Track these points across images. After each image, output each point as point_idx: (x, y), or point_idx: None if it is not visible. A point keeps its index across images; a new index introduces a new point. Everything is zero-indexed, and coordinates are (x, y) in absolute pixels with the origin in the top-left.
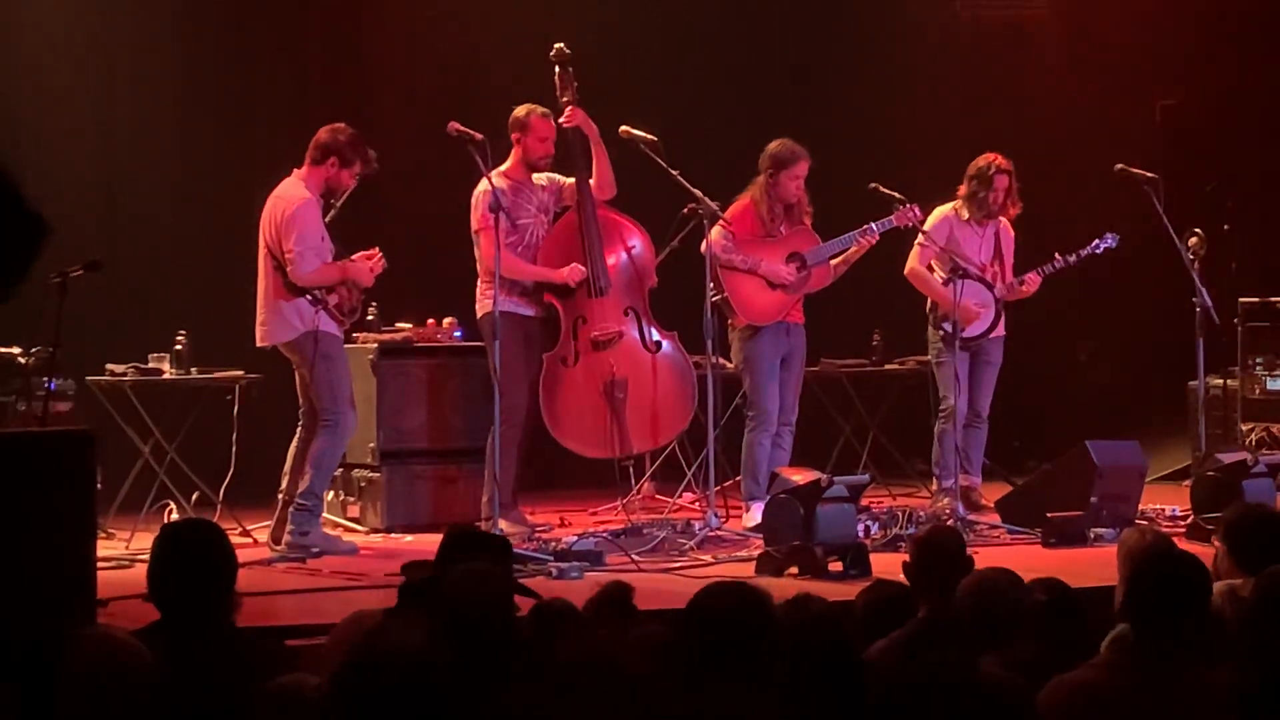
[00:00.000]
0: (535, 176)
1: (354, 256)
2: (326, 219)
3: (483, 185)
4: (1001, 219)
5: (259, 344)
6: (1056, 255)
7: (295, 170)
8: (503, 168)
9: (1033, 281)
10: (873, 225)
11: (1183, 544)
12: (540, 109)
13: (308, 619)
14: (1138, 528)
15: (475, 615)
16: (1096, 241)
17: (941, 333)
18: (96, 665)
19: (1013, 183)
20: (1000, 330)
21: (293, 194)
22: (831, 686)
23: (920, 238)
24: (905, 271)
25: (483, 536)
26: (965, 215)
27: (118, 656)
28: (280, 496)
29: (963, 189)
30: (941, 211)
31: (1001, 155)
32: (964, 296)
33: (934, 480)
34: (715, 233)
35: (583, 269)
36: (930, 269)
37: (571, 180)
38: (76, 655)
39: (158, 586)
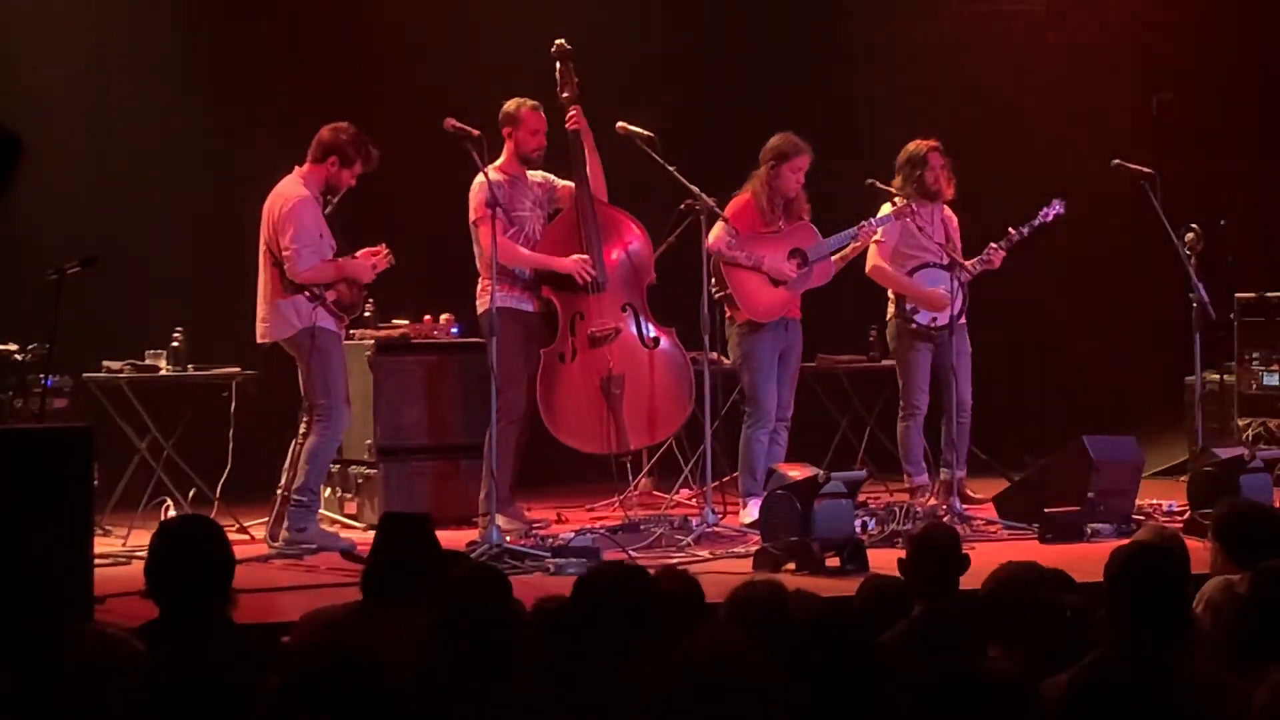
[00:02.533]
0: (530, 173)
1: (358, 253)
2: (325, 213)
3: (479, 179)
4: (944, 206)
5: (259, 340)
6: (1010, 230)
7: (296, 167)
8: (497, 163)
9: (996, 257)
10: (870, 221)
11: None
12: (530, 102)
13: None
14: (1151, 526)
15: (476, 614)
16: (1045, 210)
17: (914, 326)
18: (93, 662)
19: (945, 160)
20: (962, 318)
21: (291, 191)
22: (843, 683)
23: (877, 234)
24: (867, 270)
25: (409, 517)
26: (913, 204)
27: (114, 653)
28: (279, 493)
29: (897, 180)
30: (886, 210)
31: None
32: (932, 285)
33: (906, 477)
34: (718, 229)
35: (587, 258)
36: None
37: (566, 183)
38: (73, 652)
39: (155, 583)
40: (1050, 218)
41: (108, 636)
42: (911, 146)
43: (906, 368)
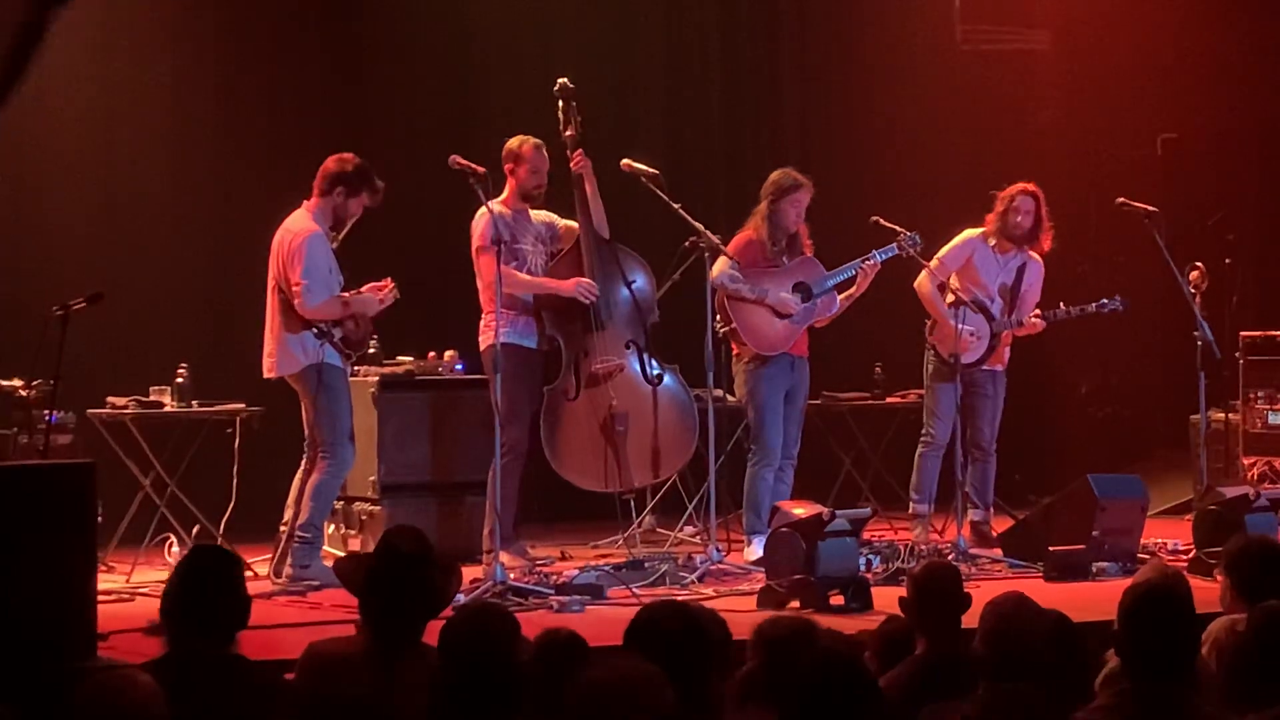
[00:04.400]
0: (533, 212)
1: (363, 288)
2: (333, 248)
3: (483, 212)
4: (1032, 253)
5: (265, 375)
6: (1061, 305)
7: (304, 202)
8: (500, 199)
9: (1034, 324)
10: (875, 253)
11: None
12: (533, 140)
13: None
14: (1154, 564)
15: (480, 652)
16: (1105, 301)
17: (933, 353)
18: (111, 700)
19: (1040, 209)
20: (996, 364)
21: (300, 226)
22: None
23: (936, 258)
24: (915, 284)
25: (408, 534)
26: (991, 241)
27: (130, 689)
28: (282, 529)
29: (992, 215)
30: (969, 233)
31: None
32: (962, 323)
33: (910, 505)
34: (721, 263)
35: (591, 282)
36: (941, 288)
37: (569, 223)
38: (90, 690)
39: (173, 611)
40: (1106, 310)
41: (126, 675)
42: (1009, 187)
43: (929, 397)
